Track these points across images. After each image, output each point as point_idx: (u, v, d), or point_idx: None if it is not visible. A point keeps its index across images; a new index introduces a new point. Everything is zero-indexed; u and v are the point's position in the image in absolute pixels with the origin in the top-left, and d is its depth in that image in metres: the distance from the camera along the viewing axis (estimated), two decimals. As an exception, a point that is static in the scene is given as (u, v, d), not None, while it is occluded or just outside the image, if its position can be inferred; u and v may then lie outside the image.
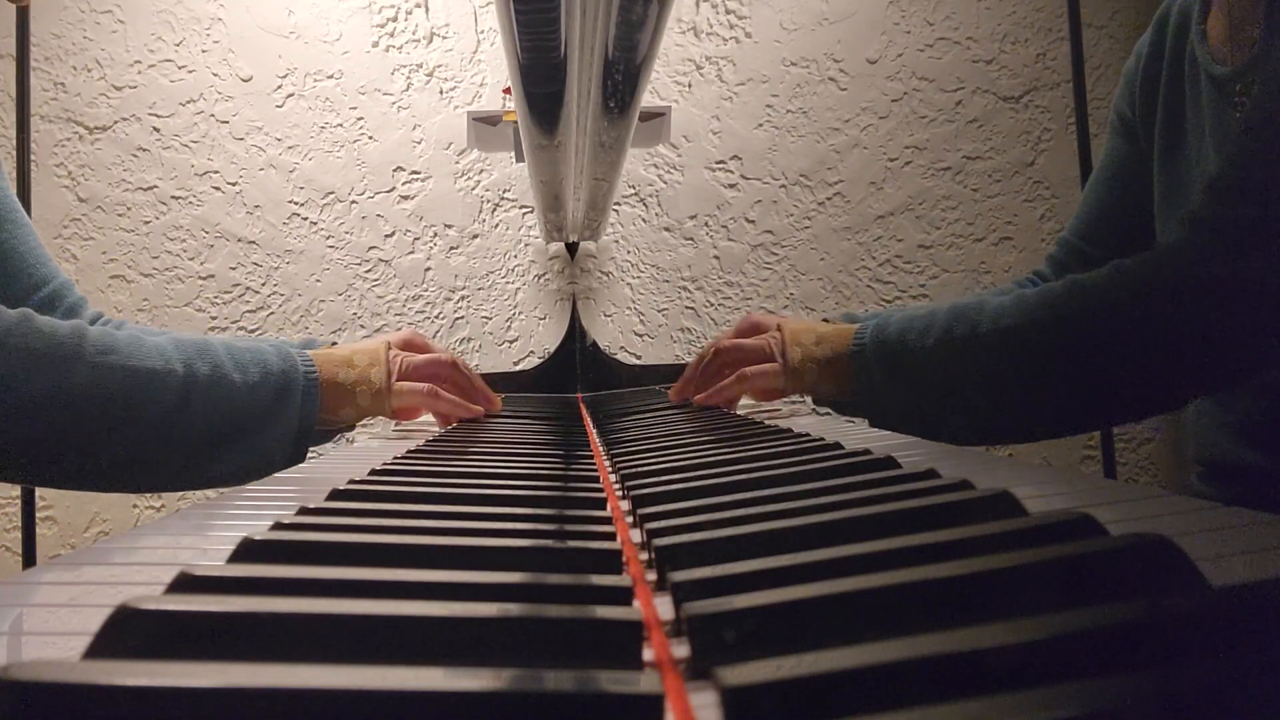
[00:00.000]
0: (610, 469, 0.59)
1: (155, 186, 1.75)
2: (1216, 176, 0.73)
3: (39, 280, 0.95)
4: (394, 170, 1.79)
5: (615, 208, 1.79)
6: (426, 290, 1.78)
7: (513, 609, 0.23)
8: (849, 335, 0.83)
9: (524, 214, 1.80)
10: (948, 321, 0.78)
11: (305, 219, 1.77)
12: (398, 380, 0.85)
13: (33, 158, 1.68)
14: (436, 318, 1.78)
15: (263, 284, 1.76)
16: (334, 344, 0.97)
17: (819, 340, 0.85)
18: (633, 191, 1.82)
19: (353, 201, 1.78)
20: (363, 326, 1.76)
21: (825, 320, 0.99)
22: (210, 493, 0.73)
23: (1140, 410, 0.90)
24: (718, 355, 0.91)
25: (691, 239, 1.83)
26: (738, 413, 0.92)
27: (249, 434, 0.75)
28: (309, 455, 0.80)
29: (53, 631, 0.27)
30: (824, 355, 0.84)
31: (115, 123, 1.75)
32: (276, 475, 0.62)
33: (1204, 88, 0.84)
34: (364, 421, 0.91)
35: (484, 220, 1.80)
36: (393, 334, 0.95)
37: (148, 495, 1.66)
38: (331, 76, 1.78)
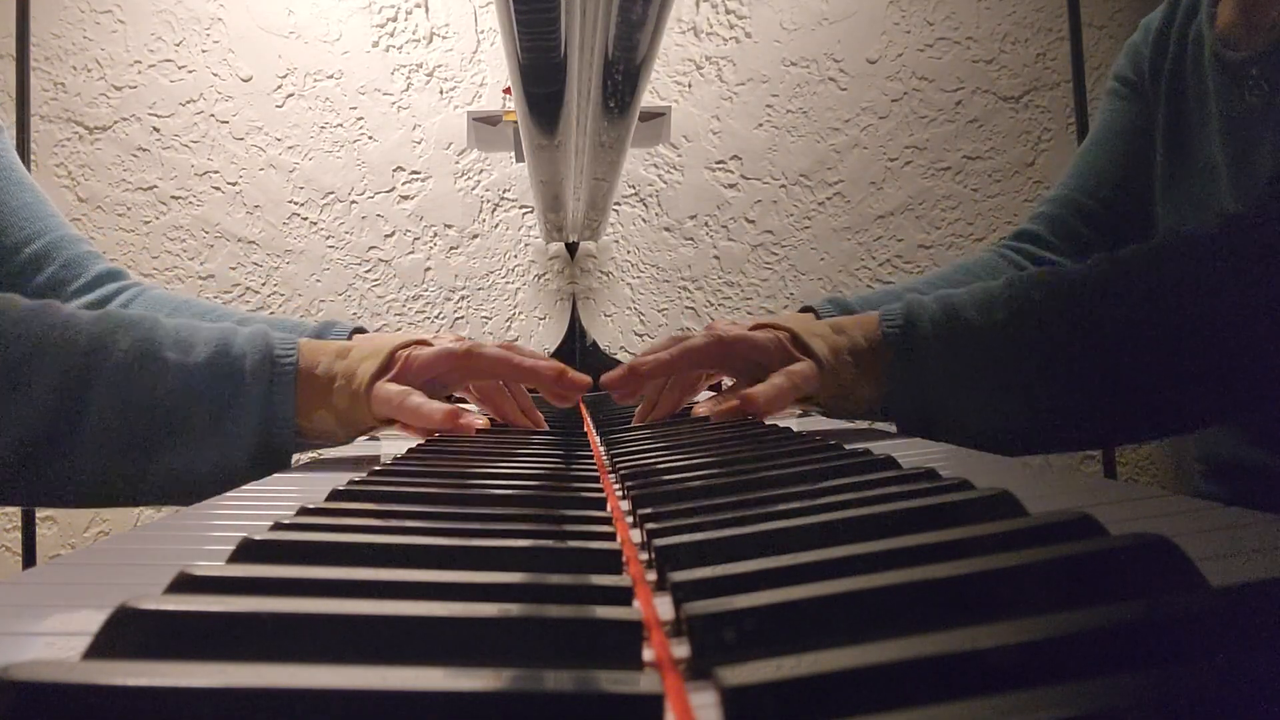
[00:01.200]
0: (610, 469, 0.59)
1: (155, 186, 1.75)
2: None
3: (25, 236, 0.87)
4: (394, 170, 1.79)
5: (615, 208, 1.79)
6: (426, 290, 1.78)
7: (513, 609, 0.23)
8: (873, 319, 0.68)
9: (524, 214, 1.80)
10: (1019, 291, 0.63)
11: (305, 219, 1.77)
12: (388, 381, 0.65)
13: (33, 158, 1.68)
14: (436, 318, 1.78)
15: (263, 284, 1.76)
16: (361, 329, 0.83)
17: (836, 328, 0.68)
18: (633, 191, 1.82)
19: (353, 201, 1.78)
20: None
21: (807, 309, 0.86)
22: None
23: (1242, 400, 0.68)
24: (725, 346, 0.69)
25: (691, 239, 1.83)
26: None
27: (190, 434, 0.59)
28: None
29: (53, 631, 0.27)
30: (854, 345, 0.66)
31: (115, 123, 1.75)
32: (276, 475, 0.62)
33: (1211, 71, 0.84)
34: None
35: (484, 220, 1.80)
36: (447, 336, 0.74)
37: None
38: (331, 76, 1.78)
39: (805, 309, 0.88)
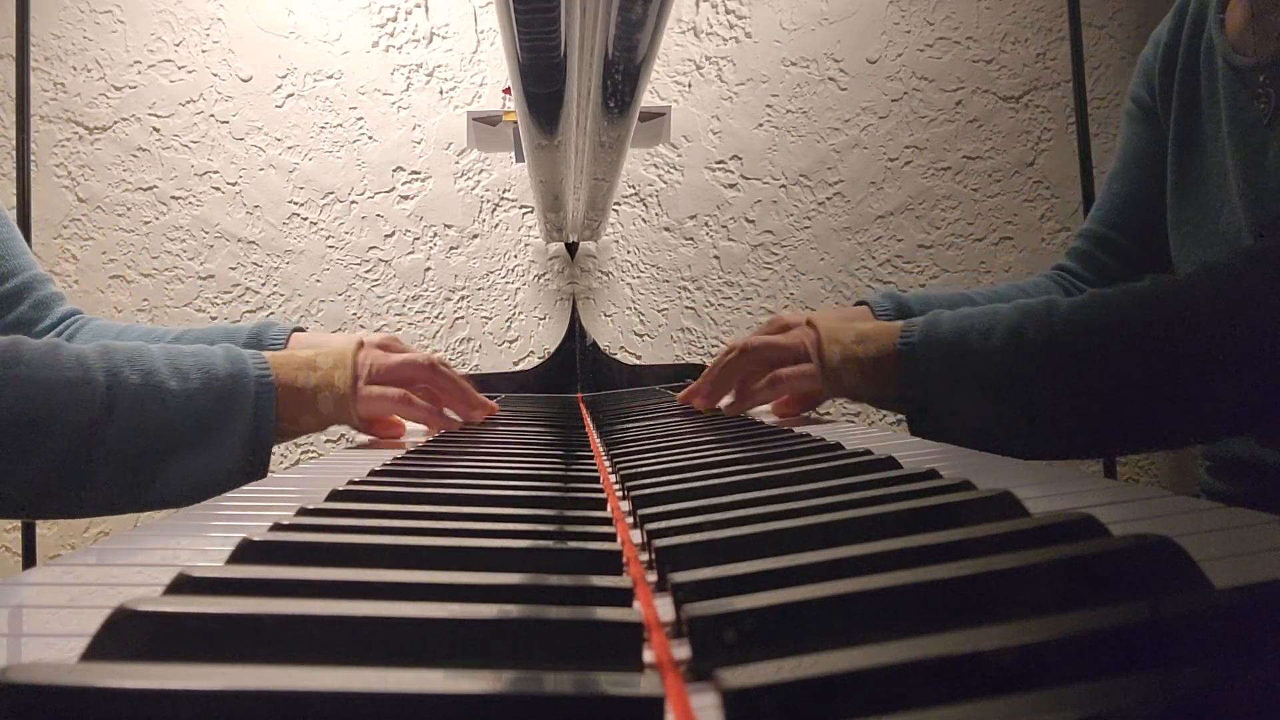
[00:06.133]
0: (610, 469, 0.59)
1: (155, 186, 1.75)
2: None
3: (5, 273, 0.93)
4: (394, 170, 1.79)
5: (615, 208, 1.79)
6: (426, 290, 1.78)
7: (513, 610, 0.23)
8: (895, 333, 0.75)
9: (524, 214, 1.80)
10: (1015, 320, 0.70)
11: (305, 219, 1.77)
12: (366, 384, 0.77)
13: (33, 158, 1.68)
14: (436, 318, 1.77)
15: (263, 284, 1.76)
16: (300, 329, 0.93)
17: (859, 338, 0.76)
18: (633, 191, 1.82)
19: (353, 201, 1.78)
20: (362, 326, 1.76)
21: (862, 303, 0.94)
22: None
23: (1239, 423, 0.77)
24: (745, 354, 0.81)
25: (691, 239, 1.83)
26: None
27: (191, 447, 0.69)
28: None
29: (52, 633, 0.27)
30: (866, 355, 0.75)
31: (115, 123, 1.75)
32: (276, 475, 0.62)
33: (1222, 78, 0.84)
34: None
35: (484, 220, 1.80)
36: (369, 334, 0.89)
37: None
38: (331, 76, 1.78)
39: (860, 303, 0.96)
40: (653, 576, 0.32)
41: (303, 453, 1.71)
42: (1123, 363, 0.67)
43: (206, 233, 1.76)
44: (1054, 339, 0.68)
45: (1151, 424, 0.69)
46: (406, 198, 1.79)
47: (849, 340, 0.76)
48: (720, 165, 1.84)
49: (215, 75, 1.76)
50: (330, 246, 1.77)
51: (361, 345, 0.80)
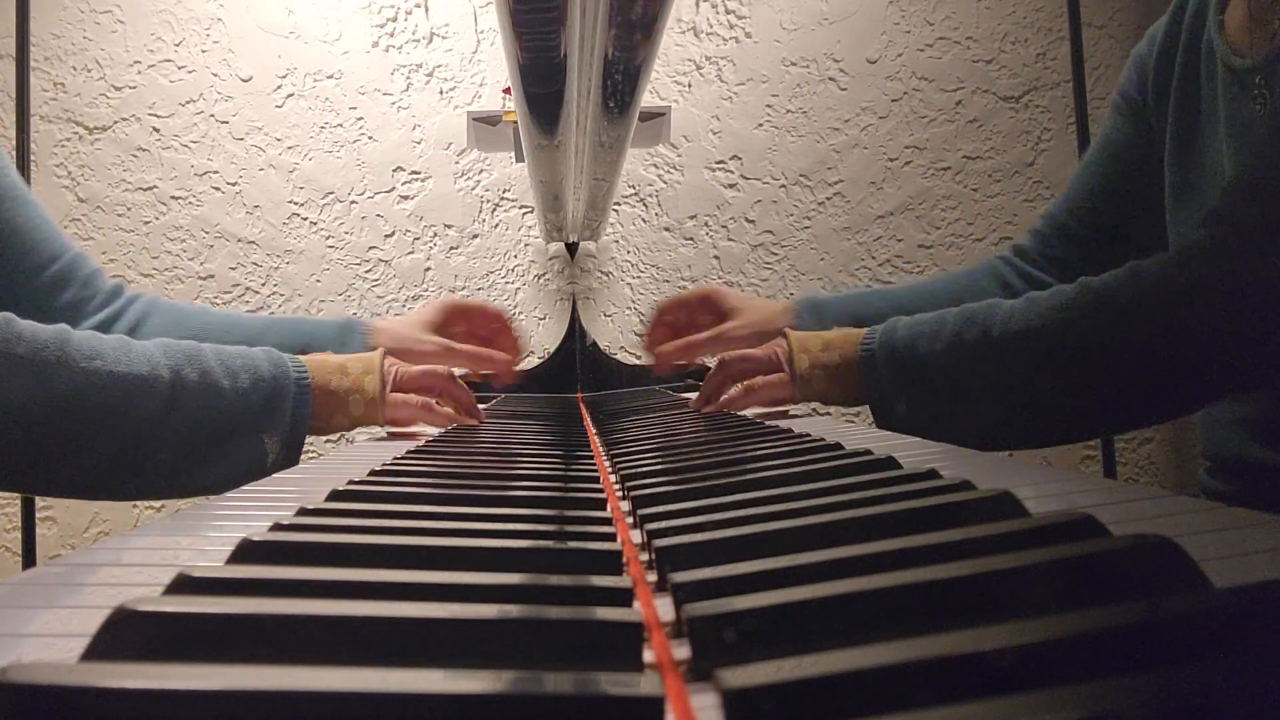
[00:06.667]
0: (610, 469, 0.59)
1: (155, 186, 1.75)
2: (1239, 175, 0.72)
3: (49, 257, 0.94)
4: (394, 170, 1.79)
5: (615, 208, 1.79)
6: (426, 290, 1.78)
7: (513, 610, 0.23)
8: (856, 340, 0.82)
9: (524, 214, 1.80)
10: (957, 325, 0.77)
11: (305, 219, 1.77)
12: (392, 391, 0.84)
13: (33, 158, 1.68)
14: (436, 318, 1.78)
15: (263, 284, 1.76)
16: (376, 314, 1.00)
17: (825, 346, 0.84)
18: (633, 191, 1.82)
19: (353, 201, 1.78)
20: (363, 327, 1.76)
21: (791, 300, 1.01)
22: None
23: (1157, 414, 0.87)
24: (722, 368, 0.89)
25: (691, 239, 1.83)
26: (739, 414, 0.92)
27: (237, 440, 0.75)
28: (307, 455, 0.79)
29: (52, 633, 0.27)
30: (831, 362, 0.83)
31: (115, 123, 1.75)
32: (276, 475, 0.62)
33: (1220, 79, 0.84)
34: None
35: (484, 220, 1.80)
36: (432, 303, 0.98)
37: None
38: (331, 76, 1.78)
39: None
40: (653, 576, 0.32)
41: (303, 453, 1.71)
42: (1047, 363, 0.73)
43: (206, 233, 1.76)
44: (988, 342, 0.75)
45: (1076, 417, 0.77)
46: (406, 198, 1.79)
47: (816, 349, 0.84)
48: (720, 165, 1.84)
49: (215, 75, 1.76)
50: (330, 246, 1.77)
51: (385, 353, 0.87)
